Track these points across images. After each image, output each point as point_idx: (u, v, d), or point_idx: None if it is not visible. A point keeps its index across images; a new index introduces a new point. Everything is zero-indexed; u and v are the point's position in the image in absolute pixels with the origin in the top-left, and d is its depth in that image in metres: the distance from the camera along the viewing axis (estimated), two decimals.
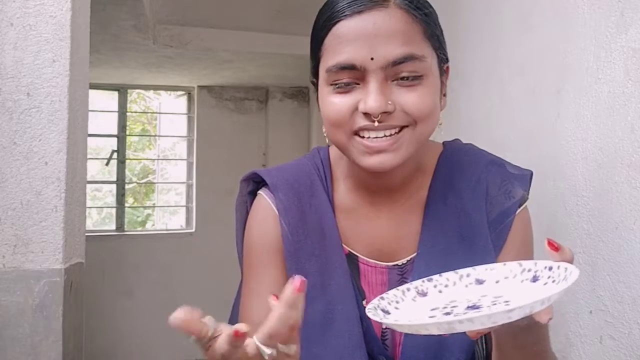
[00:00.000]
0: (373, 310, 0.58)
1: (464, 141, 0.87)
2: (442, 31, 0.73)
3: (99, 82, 4.16)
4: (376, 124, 0.66)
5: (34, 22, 1.26)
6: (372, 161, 0.68)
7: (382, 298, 0.61)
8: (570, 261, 0.55)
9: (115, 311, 4.01)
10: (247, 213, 0.84)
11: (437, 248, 0.76)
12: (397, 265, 0.78)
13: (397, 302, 0.61)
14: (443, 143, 0.85)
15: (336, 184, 0.82)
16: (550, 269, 0.55)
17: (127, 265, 4.10)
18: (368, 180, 0.78)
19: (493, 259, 0.76)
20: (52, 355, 1.23)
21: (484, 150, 0.84)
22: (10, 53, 1.25)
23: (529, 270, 0.58)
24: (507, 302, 0.55)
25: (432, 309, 0.59)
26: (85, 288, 1.46)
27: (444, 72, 0.74)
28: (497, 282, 0.60)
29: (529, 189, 0.80)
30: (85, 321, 1.48)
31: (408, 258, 0.78)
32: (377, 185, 0.78)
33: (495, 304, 0.55)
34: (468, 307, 0.56)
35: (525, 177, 0.80)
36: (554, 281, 0.54)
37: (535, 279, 0.56)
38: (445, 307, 0.58)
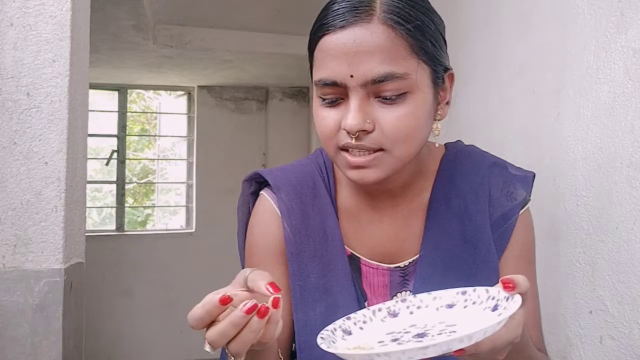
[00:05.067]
0: (331, 332, 0.59)
1: (465, 141, 0.87)
2: (437, 40, 0.70)
3: (99, 82, 4.16)
4: (354, 141, 0.66)
5: (34, 22, 1.26)
6: (353, 175, 0.69)
7: (349, 318, 0.62)
8: (525, 290, 0.56)
9: (115, 311, 4.02)
10: (249, 213, 0.84)
11: (440, 250, 0.76)
12: (399, 267, 0.78)
13: (364, 322, 0.63)
14: (445, 145, 0.85)
15: (339, 186, 0.82)
16: (508, 299, 0.56)
17: (127, 265, 4.10)
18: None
19: (496, 261, 0.76)
20: (52, 355, 1.23)
21: (486, 152, 0.84)
22: (10, 53, 1.25)
23: (493, 298, 0.59)
24: (452, 332, 0.56)
25: (388, 333, 0.60)
26: (85, 288, 1.46)
27: (441, 83, 0.72)
28: (465, 307, 0.61)
29: (531, 191, 0.80)
30: (85, 321, 1.48)
31: (410, 260, 0.78)
32: (378, 190, 0.78)
33: (440, 334, 0.56)
34: (417, 334, 0.58)
35: (527, 179, 0.80)
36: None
37: (495, 308, 0.57)
38: (399, 332, 0.59)
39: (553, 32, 1.16)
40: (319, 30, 0.68)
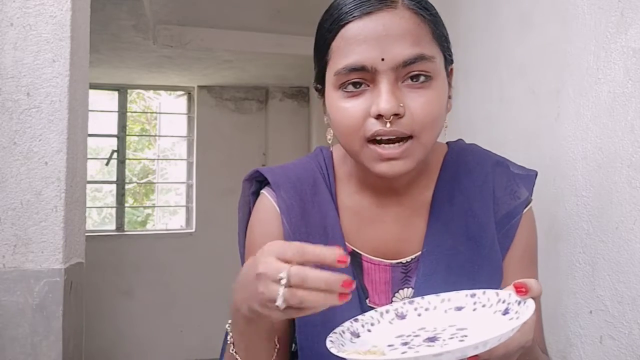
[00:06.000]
0: (339, 334, 0.59)
1: (465, 141, 0.87)
2: (447, 32, 0.74)
3: (99, 82, 4.16)
4: (388, 125, 0.66)
5: (34, 22, 1.26)
6: (383, 168, 0.69)
7: (356, 320, 0.62)
8: (539, 294, 0.56)
9: (115, 311, 4.01)
10: (250, 213, 0.84)
11: (443, 247, 0.76)
12: (401, 263, 0.78)
13: (372, 324, 0.63)
14: (447, 143, 0.85)
15: (339, 184, 0.82)
16: (519, 303, 0.56)
17: (127, 265, 4.10)
18: (375, 182, 0.78)
19: (499, 259, 0.76)
20: (52, 355, 1.23)
21: (488, 151, 0.84)
22: (10, 53, 1.25)
23: (504, 302, 0.59)
24: (464, 337, 0.56)
25: (397, 336, 0.60)
26: (85, 288, 1.46)
27: (448, 73, 0.74)
28: (474, 310, 0.61)
29: (532, 190, 0.80)
30: (85, 321, 1.48)
31: (413, 256, 0.78)
32: (383, 187, 0.78)
33: (451, 338, 0.56)
34: (427, 338, 0.58)
35: (529, 178, 0.80)
36: (518, 318, 0.54)
37: (506, 312, 0.57)
38: (409, 336, 0.59)
39: (553, 32, 1.16)
40: (340, 19, 0.68)
